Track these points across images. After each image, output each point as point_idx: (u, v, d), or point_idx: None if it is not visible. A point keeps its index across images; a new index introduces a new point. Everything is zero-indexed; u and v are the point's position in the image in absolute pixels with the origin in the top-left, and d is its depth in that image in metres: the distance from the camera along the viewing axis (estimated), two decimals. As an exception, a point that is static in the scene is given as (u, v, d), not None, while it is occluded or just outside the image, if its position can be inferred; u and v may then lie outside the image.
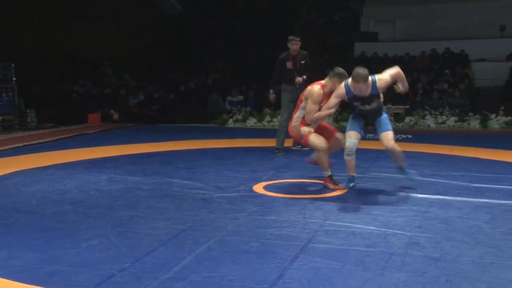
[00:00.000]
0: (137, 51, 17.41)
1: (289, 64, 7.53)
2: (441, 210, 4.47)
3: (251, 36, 17.33)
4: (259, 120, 12.28)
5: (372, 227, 3.97)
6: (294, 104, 7.47)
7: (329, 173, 5.35)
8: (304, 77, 7.50)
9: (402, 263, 3.22)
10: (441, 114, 11.39)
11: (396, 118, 11.38)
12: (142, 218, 4.27)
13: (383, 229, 3.91)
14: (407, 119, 11.35)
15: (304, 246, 3.54)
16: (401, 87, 5.13)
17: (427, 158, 7.12)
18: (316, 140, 5.28)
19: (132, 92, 14.42)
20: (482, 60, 15.70)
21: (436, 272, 3.08)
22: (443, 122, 11.10)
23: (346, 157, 5.21)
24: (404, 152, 7.46)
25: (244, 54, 17.14)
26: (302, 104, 5.48)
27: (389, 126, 5.25)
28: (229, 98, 13.81)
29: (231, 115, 12.65)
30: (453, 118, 11.08)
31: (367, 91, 4.95)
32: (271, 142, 7.97)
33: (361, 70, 4.87)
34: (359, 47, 17.42)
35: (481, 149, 7.84)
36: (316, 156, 5.39)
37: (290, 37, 7.56)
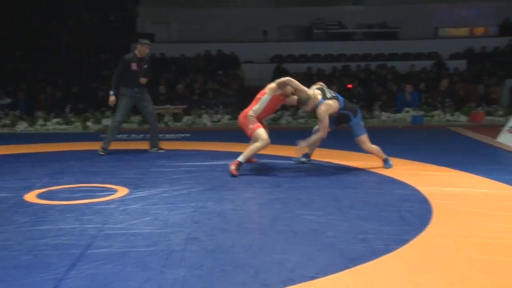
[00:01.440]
0: None
1: (134, 66, 7.51)
2: (217, 204, 4.72)
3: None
4: (31, 125, 11.39)
5: (153, 227, 4.02)
6: (142, 104, 7.66)
7: (243, 162, 5.96)
8: (145, 80, 7.59)
9: (181, 259, 3.33)
10: (216, 113, 12.02)
11: (175, 117, 11.66)
12: None
13: (163, 228, 3.99)
14: (185, 118, 11.69)
15: (81, 253, 3.41)
16: None
17: (204, 155, 7.45)
18: (263, 134, 5.97)
19: None
20: (250, 61, 17.01)
21: (212, 263, 3.26)
22: (218, 120, 11.72)
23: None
24: (184, 151, 7.71)
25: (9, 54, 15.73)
26: (263, 97, 6.03)
27: (359, 131, 6.13)
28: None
29: (-3, 119, 11.49)
30: (227, 116, 11.77)
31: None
32: (45, 147, 7.47)
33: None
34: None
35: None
36: (255, 146, 5.96)
37: (144, 41, 7.65)
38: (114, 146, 7.87)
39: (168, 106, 12.00)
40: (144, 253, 3.43)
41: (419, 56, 17.73)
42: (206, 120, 11.71)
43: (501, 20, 18.80)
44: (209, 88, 13.75)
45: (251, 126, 6.07)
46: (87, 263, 3.24)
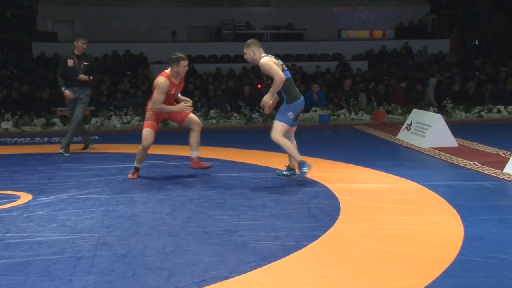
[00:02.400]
0: None
1: (70, 62, 7.48)
2: (128, 207, 4.63)
3: None
4: None
5: (59, 234, 3.86)
6: (75, 104, 7.55)
7: (139, 166, 5.88)
8: (90, 77, 7.55)
9: (90, 265, 3.23)
10: (126, 114, 11.73)
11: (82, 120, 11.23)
12: None
13: (70, 234, 3.85)
14: (93, 120, 11.31)
15: (-19, 265, 3.21)
16: None
17: (114, 157, 7.25)
18: (146, 134, 5.74)
19: None
20: (159, 62, 16.76)
21: (123, 268, 3.19)
22: (128, 122, 11.45)
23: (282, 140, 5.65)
24: (92, 153, 7.46)
25: None
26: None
27: (279, 116, 5.53)
28: None
29: None
30: (137, 118, 11.53)
31: (254, 60, 5.69)
32: None
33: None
34: (38, 47, 16.57)
35: (161, 146, 8.32)
36: (138, 149, 5.81)
37: (81, 37, 7.67)
38: (15, 150, 7.46)
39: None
40: (50, 261, 3.29)
41: (324, 57, 18.34)
42: (115, 122, 11.40)
43: (396, 24, 19.99)
44: (118, 90, 13.39)
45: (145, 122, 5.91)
46: (-13, 276, 3.06)
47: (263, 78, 5.87)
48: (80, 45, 7.50)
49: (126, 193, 5.14)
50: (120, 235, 3.84)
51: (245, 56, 5.71)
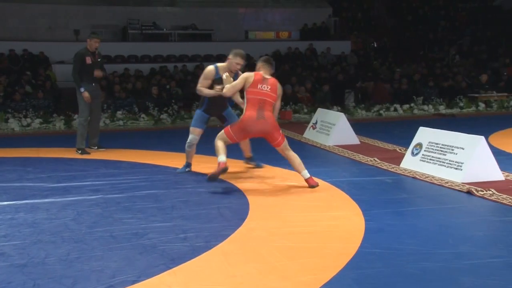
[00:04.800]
0: None
1: (88, 60, 7.51)
2: (29, 214, 4.41)
3: None
4: None
5: (-49, 246, 3.59)
6: (94, 102, 7.55)
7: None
8: (104, 73, 7.91)
9: (-14, 278, 3.04)
10: (26, 116, 11.12)
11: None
12: None
13: (-37, 246, 3.59)
14: (-12, 123, 10.62)
15: None
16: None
17: (12, 162, 6.86)
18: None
19: None
20: (62, 62, 16.07)
21: (22, 279, 3.03)
22: (28, 125, 10.87)
23: (187, 148, 6.09)
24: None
25: None
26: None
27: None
28: None
29: None
30: (38, 120, 10.97)
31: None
32: None
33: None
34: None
35: (65, 149, 8.00)
36: None
37: (94, 35, 7.75)
38: None
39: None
40: None
41: (233, 57, 18.52)
42: (13, 125, 10.77)
43: (301, 25, 20.60)
44: (16, 91, 12.66)
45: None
46: None
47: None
48: (93, 43, 7.56)
49: (27, 199, 4.89)
50: (19, 243, 3.65)
51: (239, 67, 5.85)
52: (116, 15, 18.87)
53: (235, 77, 5.75)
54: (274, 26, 20.75)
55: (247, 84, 5.37)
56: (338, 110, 11.07)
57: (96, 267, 3.20)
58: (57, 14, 18.13)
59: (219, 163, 5.24)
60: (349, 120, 8.52)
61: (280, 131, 5.55)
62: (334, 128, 8.21)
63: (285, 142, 5.53)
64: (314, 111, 9.83)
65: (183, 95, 13.58)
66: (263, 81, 5.37)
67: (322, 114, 8.94)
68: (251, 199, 4.86)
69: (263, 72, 5.46)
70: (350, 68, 16.98)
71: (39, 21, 17.86)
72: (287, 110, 12.29)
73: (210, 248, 3.54)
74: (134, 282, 2.99)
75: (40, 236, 3.81)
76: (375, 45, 20.53)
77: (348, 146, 7.82)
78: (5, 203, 4.77)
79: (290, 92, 13.86)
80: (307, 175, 5.39)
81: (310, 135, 8.90)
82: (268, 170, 6.25)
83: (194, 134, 6.07)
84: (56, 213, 4.46)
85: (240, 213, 4.39)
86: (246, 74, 5.46)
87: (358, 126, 9.13)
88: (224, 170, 5.23)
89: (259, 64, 5.54)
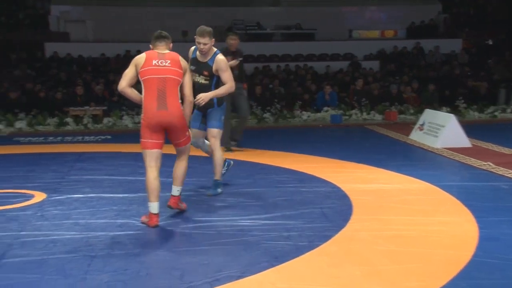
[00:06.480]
0: None
1: (229, 59, 7.18)
2: (141, 206, 4.62)
3: None
4: None
5: (73, 232, 3.89)
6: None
7: None
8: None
9: (104, 264, 3.25)
10: (138, 114, 11.78)
11: (94, 119, 11.30)
12: None
13: (84, 233, 3.87)
14: (105, 120, 11.36)
15: (-4, 264, 3.25)
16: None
17: (126, 157, 7.28)
18: None
19: None
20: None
21: (137, 267, 3.21)
22: (140, 122, 11.48)
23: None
24: (104, 153, 7.50)
25: None
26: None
27: (217, 123, 5.05)
28: None
29: None
30: (148, 117, 11.55)
31: (207, 53, 4.99)
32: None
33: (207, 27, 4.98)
34: (51, 47, 16.67)
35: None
36: None
37: (229, 33, 8.04)
38: (28, 150, 7.51)
39: (87, 107, 11.61)
40: (65, 260, 3.32)
41: (335, 57, 18.29)
42: (127, 122, 11.45)
43: (408, 24, 19.88)
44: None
45: None
46: (2, 274, 3.09)
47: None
48: (229, 41, 7.72)
49: (140, 192, 5.15)
50: (133, 234, 3.86)
51: (203, 47, 4.92)
52: (222, 16, 19.39)
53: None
54: (379, 25, 20.25)
55: (138, 66, 4.20)
56: (447, 111, 10.56)
57: (203, 260, 3.31)
58: (168, 16, 18.98)
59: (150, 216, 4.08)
60: (459, 121, 8.09)
61: (187, 132, 4.43)
62: (443, 130, 7.84)
63: (189, 146, 4.46)
64: (421, 112, 9.46)
65: (286, 94, 13.65)
66: (158, 56, 4.22)
67: (430, 115, 8.58)
68: (354, 200, 4.77)
69: (158, 50, 4.29)
70: (459, 67, 16.14)
71: (151, 23, 18.80)
72: (392, 111, 11.94)
73: (313, 248, 3.53)
74: (239, 277, 3.04)
75: (152, 228, 4.01)
76: (490, 43, 19.30)
77: (458, 149, 7.42)
78: (120, 195, 5.07)
79: (395, 92, 13.45)
80: (176, 193, 4.38)
81: (416, 136, 8.57)
82: (371, 172, 6.10)
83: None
84: (166, 207, 4.65)
85: (343, 214, 4.33)
86: (136, 57, 4.31)
87: (470, 128, 8.63)
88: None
89: (151, 44, 4.37)
